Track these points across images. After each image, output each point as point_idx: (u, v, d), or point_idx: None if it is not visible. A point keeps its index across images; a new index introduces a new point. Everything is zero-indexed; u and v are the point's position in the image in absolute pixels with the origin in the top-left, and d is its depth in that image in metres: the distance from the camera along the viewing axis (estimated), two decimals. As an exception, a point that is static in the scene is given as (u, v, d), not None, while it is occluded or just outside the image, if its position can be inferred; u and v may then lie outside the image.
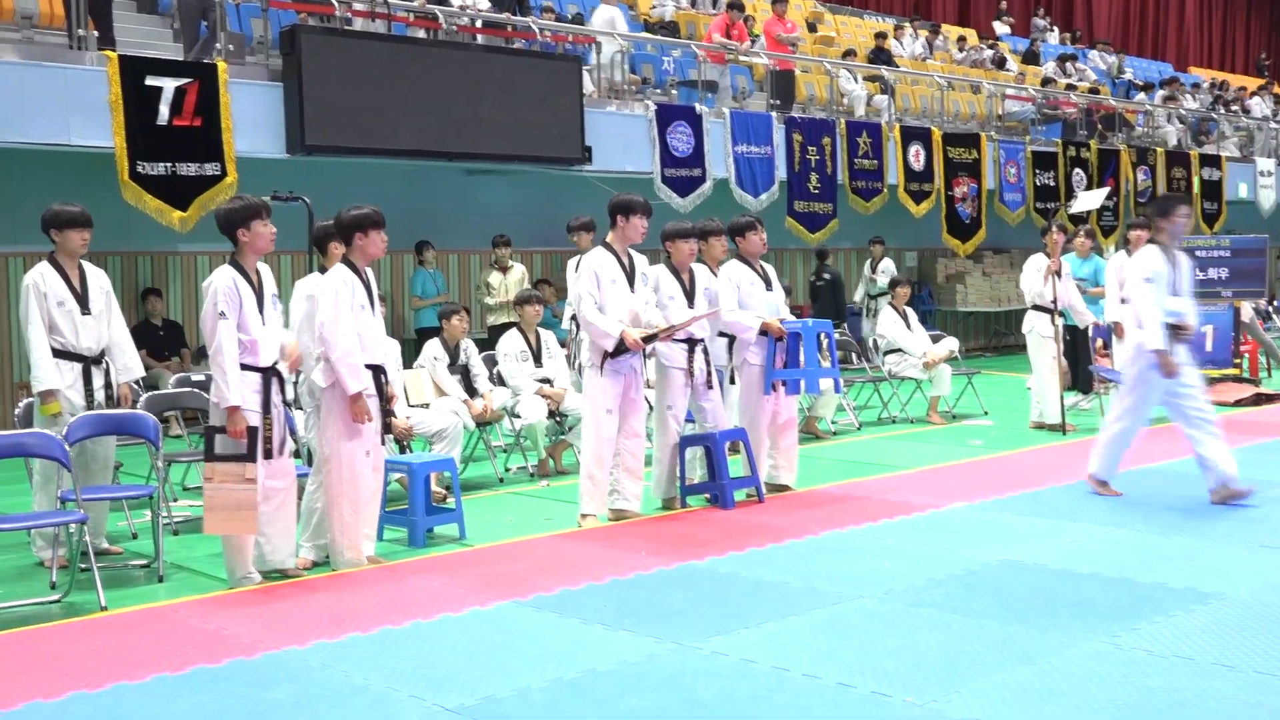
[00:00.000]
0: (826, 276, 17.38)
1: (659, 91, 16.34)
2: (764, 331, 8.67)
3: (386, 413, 7.03)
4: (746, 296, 8.74)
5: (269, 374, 6.59)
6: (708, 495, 8.48)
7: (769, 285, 8.85)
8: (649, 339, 8.04)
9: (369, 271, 6.99)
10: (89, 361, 7.44)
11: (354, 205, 7.08)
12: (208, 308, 6.48)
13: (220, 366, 6.38)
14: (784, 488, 8.84)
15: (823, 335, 8.76)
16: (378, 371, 6.96)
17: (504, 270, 13.99)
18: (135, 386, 8.05)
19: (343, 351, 6.77)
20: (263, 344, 6.56)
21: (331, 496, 6.93)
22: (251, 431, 6.44)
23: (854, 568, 6.64)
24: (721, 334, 8.71)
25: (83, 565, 6.72)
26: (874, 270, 18.11)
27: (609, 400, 8.03)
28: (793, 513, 8.17)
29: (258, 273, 6.67)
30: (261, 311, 6.60)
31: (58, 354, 7.30)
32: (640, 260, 8.24)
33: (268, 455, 6.58)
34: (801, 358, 8.60)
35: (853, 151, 17.07)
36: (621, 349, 7.93)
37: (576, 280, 8.16)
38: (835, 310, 16.68)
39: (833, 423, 12.25)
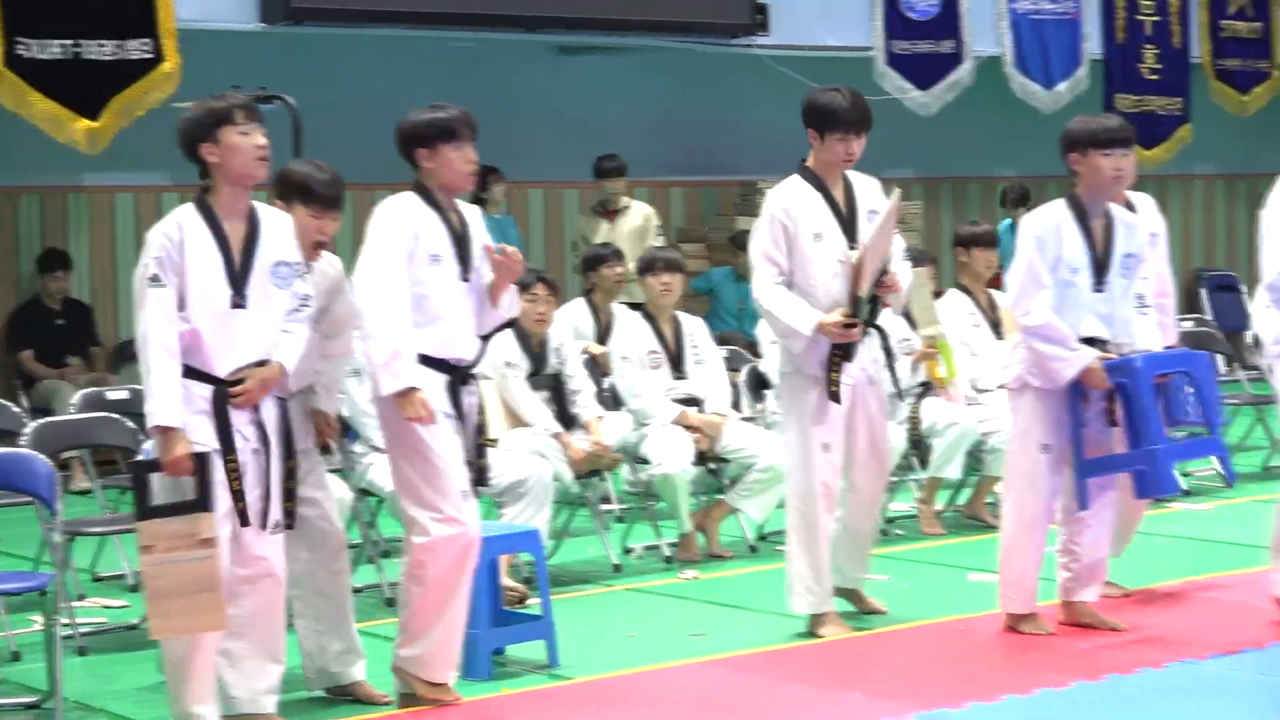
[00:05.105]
0: None
1: (884, -89, 16.28)
2: None
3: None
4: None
5: (226, 389, 6.67)
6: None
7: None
8: (874, 311, 8.06)
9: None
10: None
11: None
12: (138, 269, 6.63)
13: (146, 361, 6.49)
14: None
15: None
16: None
17: (613, 215, 14.07)
18: None
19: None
20: (218, 340, 6.63)
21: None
22: (200, 461, 6.52)
23: (1224, 724, 6.58)
24: None
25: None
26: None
27: (823, 429, 8.10)
28: (1110, 629, 8.14)
29: (250, 219, 6.76)
30: (241, 288, 6.67)
31: None
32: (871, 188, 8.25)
33: (243, 522, 6.70)
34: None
35: (1219, 8, 16.80)
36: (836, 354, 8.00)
37: (755, 235, 8.22)
38: None
39: (1183, 475, 12.07)
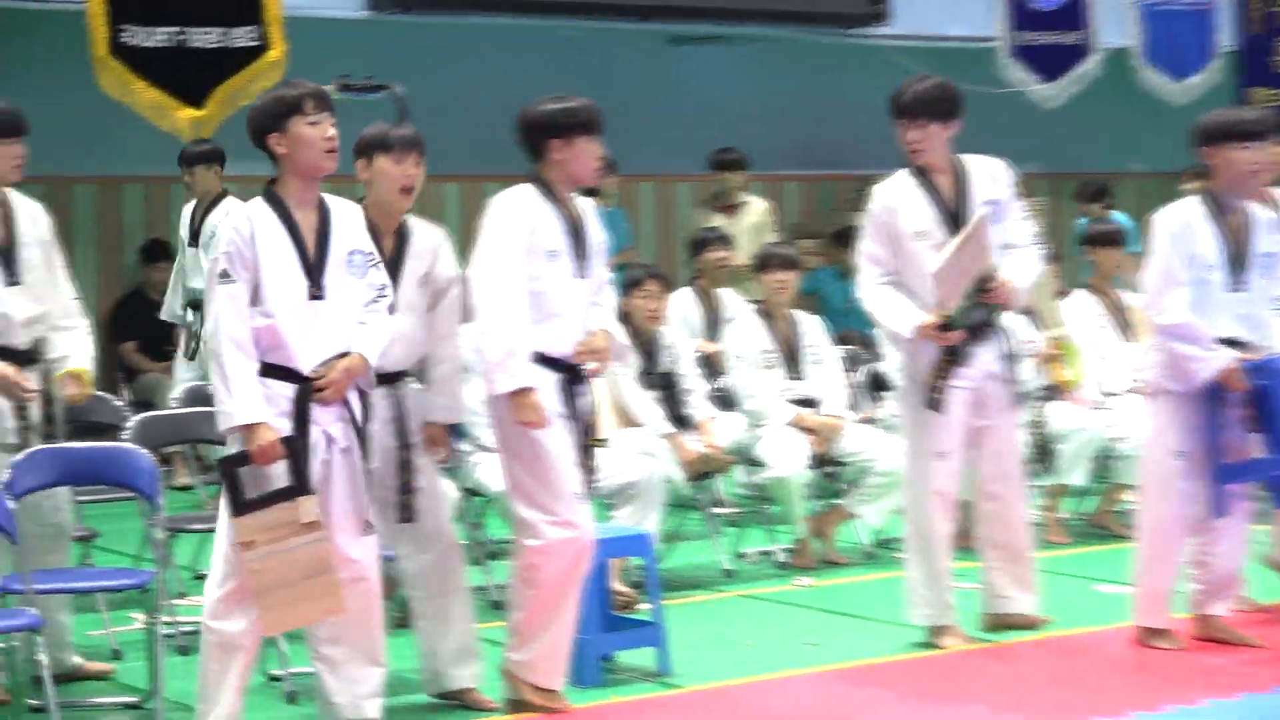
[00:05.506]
0: None
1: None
2: None
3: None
4: None
5: (310, 385, 6.60)
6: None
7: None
8: (984, 314, 7.91)
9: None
10: (21, 359, 7.60)
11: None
12: (209, 264, 6.64)
13: (218, 358, 6.46)
14: None
15: None
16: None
17: (730, 210, 14.01)
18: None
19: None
20: (299, 333, 6.59)
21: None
22: (291, 444, 6.47)
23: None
24: None
25: (33, 701, 6.87)
26: None
27: (938, 435, 8.00)
28: (1246, 645, 8.02)
29: (321, 210, 6.72)
30: (318, 278, 6.63)
31: None
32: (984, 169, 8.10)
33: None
34: None
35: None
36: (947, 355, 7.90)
37: (862, 234, 8.16)
38: None
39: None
